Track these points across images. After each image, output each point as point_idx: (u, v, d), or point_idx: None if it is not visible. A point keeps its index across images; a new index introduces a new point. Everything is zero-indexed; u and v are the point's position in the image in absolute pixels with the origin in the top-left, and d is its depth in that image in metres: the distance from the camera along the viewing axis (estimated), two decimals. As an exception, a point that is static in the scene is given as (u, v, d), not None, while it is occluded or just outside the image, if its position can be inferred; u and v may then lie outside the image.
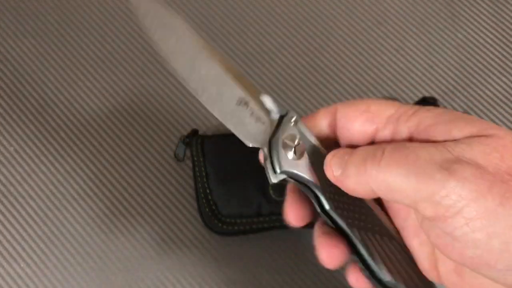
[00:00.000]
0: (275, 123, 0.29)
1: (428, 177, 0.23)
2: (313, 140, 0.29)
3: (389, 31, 0.55)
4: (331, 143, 0.30)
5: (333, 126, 0.30)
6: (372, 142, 0.28)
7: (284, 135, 0.28)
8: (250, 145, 0.29)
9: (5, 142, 0.50)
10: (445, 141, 0.25)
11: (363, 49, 0.54)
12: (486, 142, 0.24)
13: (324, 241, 0.29)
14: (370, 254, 0.28)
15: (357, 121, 0.28)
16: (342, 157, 0.27)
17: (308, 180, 0.28)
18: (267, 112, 0.30)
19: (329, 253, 0.29)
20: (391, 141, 0.27)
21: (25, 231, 0.47)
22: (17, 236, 0.47)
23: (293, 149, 0.28)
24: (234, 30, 0.55)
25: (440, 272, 0.28)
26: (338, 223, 0.29)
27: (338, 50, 0.54)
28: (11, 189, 0.49)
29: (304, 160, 0.28)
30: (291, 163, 0.28)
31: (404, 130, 0.27)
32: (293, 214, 0.30)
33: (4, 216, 0.48)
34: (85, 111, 0.51)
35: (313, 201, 0.29)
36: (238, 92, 0.30)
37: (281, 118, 0.29)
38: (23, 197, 0.48)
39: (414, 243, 0.29)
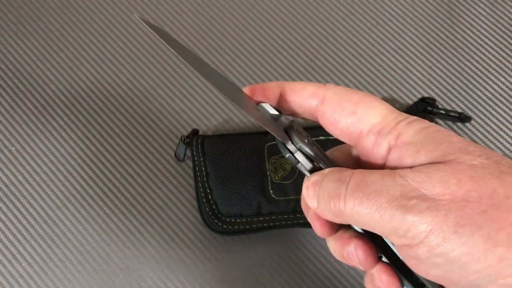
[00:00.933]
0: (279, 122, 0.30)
1: (389, 216, 0.25)
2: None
3: (388, 32, 0.55)
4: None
5: (316, 111, 0.30)
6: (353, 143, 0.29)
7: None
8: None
9: (6, 143, 0.50)
10: (411, 166, 0.26)
11: (362, 50, 0.54)
12: (444, 169, 0.25)
13: (358, 242, 0.30)
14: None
15: (343, 122, 0.29)
16: (314, 189, 0.28)
17: (319, 160, 0.29)
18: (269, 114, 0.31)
19: (365, 253, 0.30)
20: (357, 166, 0.28)
21: (27, 230, 0.48)
22: (18, 236, 0.47)
23: (306, 136, 0.30)
24: (234, 30, 0.55)
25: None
26: None
27: (338, 51, 0.54)
28: (13, 189, 0.49)
29: (315, 147, 0.29)
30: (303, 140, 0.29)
31: (384, 143, 0.28)
32: (319, 224, 0.31)
33: (6, 215, 0.48)
34: (86, 111, 0.51)
35: None
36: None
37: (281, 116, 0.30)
38: (25, 197, 0.48)
39: None
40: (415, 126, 0.27)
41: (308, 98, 0.30)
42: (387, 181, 0.26)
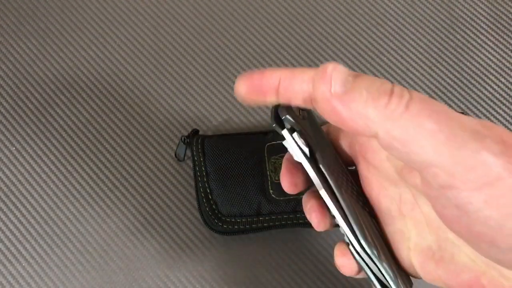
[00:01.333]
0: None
1: (461, 142, 0.20)
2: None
3: (388, 32, 0.55)
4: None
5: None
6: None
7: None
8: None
9: (7, 142, 0.50)
10: None
11: (363, 50, 0.54)
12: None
13: (315, 204, 0.29)
14: (359, 226, 0.27)
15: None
16: (345, 74, 0.23)
17: (305, 135, 0.28)
18: None
19: (319, 217, 0.29)
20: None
21: (27, 230, 0.48)
22: (18, 235, 0.47)
23: (298, 110, 0.28)
24: (234, 30, 0.55)
25: (415, 261, 0.27)
26: (329, 182, 0.28)
27: (338, 51, 0.54)
28: (13, 188, 0.49)
29: (305, 122, 0.28)
30: (296, 119, 0.28)
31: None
32: (288, 181, 0.30)
33: (6, 215, 0.48)
34: (86, 111, 0.51)
35: (308, 162, 0.28)
36: None
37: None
38: (25, 197, 0.49)
39: (391, 229, 0.29)
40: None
41: (307, 82, 0.26)
42: (454, 113, 0.22)
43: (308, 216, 0.30)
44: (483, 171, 0.20)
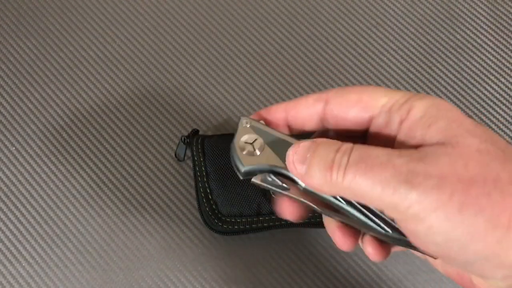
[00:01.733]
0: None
1: (392, 191, 0.24)
2: (275, 132, 0.30)
3: (388, 32, 0.55)
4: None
5: (323, 114, 0.30)
6: (366, 130, 0.29)
7: (240, 138, 0.30)
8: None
9: (6, 142, 0.50)
10: (419, 142, 0.26)
11: (363, 50, 0.54)
12: (452, 152, 0.25)
13: (336, 227, 0.31)
14: (365, 214, 0.29)
15: (352, 110, 0.29)
16: (304, 154, 0.28)
17: (273, 169, 0.30)
18: None
19: (343, 237, 0.31)
20: (359, 141, 0.28)
21: (27, 230, 0.48)
22: (18, 235, 0.47)
23: (250, 147, 0.30)
24: (234, 31, 0.55)
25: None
26: (323, 198, 0.29)
27: (337, 51, 0.54)
28: (13, 188, 0.49)
29: (266, 153, 0.30)
30: (252, 160, 0.30)
31: (395, 119, 0.28)
32: (288, 209, 0.31)
33: (6, 215, 0.48)
34: (86, 111, 0.51)
35: (292, 185, 0.30)
36: None
37: (240, 122, 0.31)
38: (25, 197, 0.49)
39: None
40: (427, 101, 0.27)
41: (312, 105, 0.30)
42: (393, 156, 0.25)
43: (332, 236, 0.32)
44: (419, 207, 0.24)
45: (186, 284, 0.46)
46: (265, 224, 0.46)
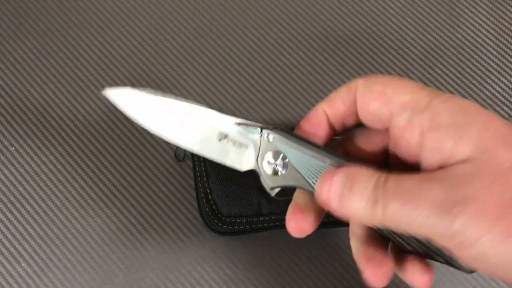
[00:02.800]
0: (258, 142, 0.30)
1: (434, 223, 0.24)
2: (299, 145, 0.29)
3: (389, 31, 0.55)
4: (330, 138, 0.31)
5: (354, 105, 0.29)
6: (387, 130, 0.28)
7: (264, 155, 0.30)
8: (244, 170, 0.31)
9: (6, 143, 0.50)
10: (449, 161, 0.25)
11: (363, 49, 0.54)
12: (485, 172, 0.24)
13: (367, 249, 0.30)
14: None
15: (373, 104, 0.28)
16: (340, 191, 0.26)
17: (300, 186, 0.29)
18: (246, 136, 0.30)
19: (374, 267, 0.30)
20: (393, 168, 0.27)
21: (26, 230, 0.48)
22: (18, 236, 0.47)
23: (275, 166, 0.30)
24: (234, 31, 0.55)
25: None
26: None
27: (338, 51, 0.54)
28: (12, 189, 0.49)
29: (290, 171, 0.29)
30: (278, 179, 0.30)
31: (417, 122, 0.26)
32: (294, 226, 0.30)
33: (5, 215, 0.48)
34: (86, 111, 0.51)
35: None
36: (215, 129, 0.31)
37: (261, 135, 0.31)
38: (24, 197, 0.48)
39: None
40: (453, 106, 0.26)
41: (345, 94, 0.29)
42: (424, 187, 0.24)
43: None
44: (463, 236, 0.23)
45: (186, 285, 0.46)
46: (265, 224, 0.46)
